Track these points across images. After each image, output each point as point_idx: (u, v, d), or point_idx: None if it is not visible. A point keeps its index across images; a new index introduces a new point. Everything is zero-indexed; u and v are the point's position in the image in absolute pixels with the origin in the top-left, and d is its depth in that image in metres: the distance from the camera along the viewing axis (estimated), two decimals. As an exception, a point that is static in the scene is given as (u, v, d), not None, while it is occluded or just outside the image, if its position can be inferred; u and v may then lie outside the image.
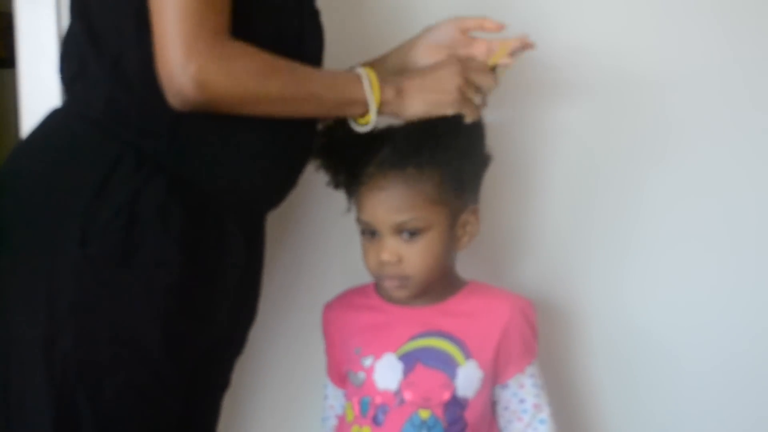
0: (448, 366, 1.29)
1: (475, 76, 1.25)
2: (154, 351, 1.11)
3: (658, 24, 1.59)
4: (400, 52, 1.36)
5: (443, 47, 1.33)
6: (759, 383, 1.66)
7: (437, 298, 1.34)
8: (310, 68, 1.17)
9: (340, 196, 1.34)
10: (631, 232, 1.64)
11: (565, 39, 1.55)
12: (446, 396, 1.29)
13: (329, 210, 1.42)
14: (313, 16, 1.25)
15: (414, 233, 1.26)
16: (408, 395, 1.29)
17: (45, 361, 1.07)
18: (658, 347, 1.66)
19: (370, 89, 1.18)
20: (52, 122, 1.19)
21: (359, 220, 1.30)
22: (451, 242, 1.31)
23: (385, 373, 1.30)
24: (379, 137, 1.26)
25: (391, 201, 1.25)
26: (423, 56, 1.33)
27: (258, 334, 1.43)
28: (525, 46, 1.31)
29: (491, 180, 1.35)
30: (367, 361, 1.32)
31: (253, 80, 1.08)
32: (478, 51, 1.33)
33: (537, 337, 1.37)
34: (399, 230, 1.26)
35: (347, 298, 1.41)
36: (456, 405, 1.29)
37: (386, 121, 1.26)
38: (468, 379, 1.30)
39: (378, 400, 1.31)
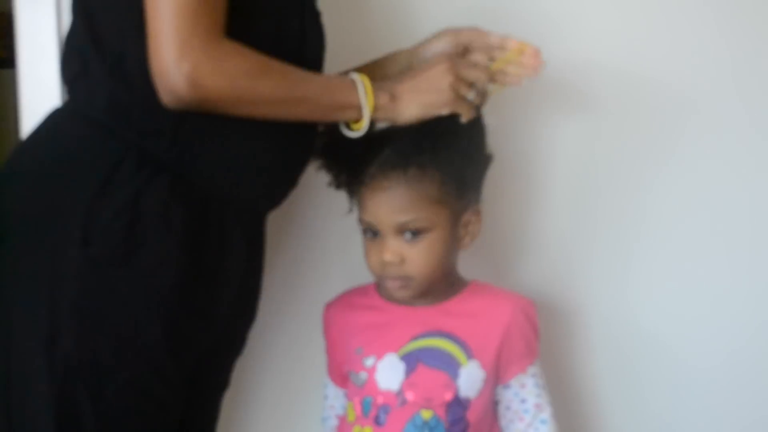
0: (450, 366, 1.29)
1: (466, 71, 1.24)
2: (155, 351, 1.11)
3: (661, 29, 1.60)
4: (409, 55, 1.36)
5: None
6: (761, 383, 1.67)
7: (439, 298, 1.34)
8: (305, 72, 1.16)
9: (340, 196, 1.34)
10: (633, 232, 1.64)
11: (568, 42, 1.55)
12: (448, 396, 1.29)
13: (330, 210, 1.42)
14: (315, 17, 1.25)
15: (416, 233, 1.26)
16: (410, 395, 1.29)
17: (46, 360, 1.07)
18: (660, 347, 1.67)
19: (365, 94, 1.17)
20: (53, 122, 1.19)
21: (361, 221, 1.30)
22: (453, 242, 1.31)
23: (387, 373, 1.31)
24: (380, 137, 1.26)
25: (393, 201, 1.25)
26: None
27: (258, 334, 1.43)
28: (531, 69, 1.29)
29: (493, 180, 1.35)
30: (369, 362, 1.32)
31: (246, 80, 1.08)
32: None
33: (539, 337, 1.37)
34: (401, 230, 1.26)
35: (348, 298, 1.41)
36: (458, 405, 1.29)
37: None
38: (470, 379, 1.30)
39: (380, 400, 1.31)
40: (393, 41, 1.39)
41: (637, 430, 1.69)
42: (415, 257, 1.27)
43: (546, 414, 1.34)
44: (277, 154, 1.19)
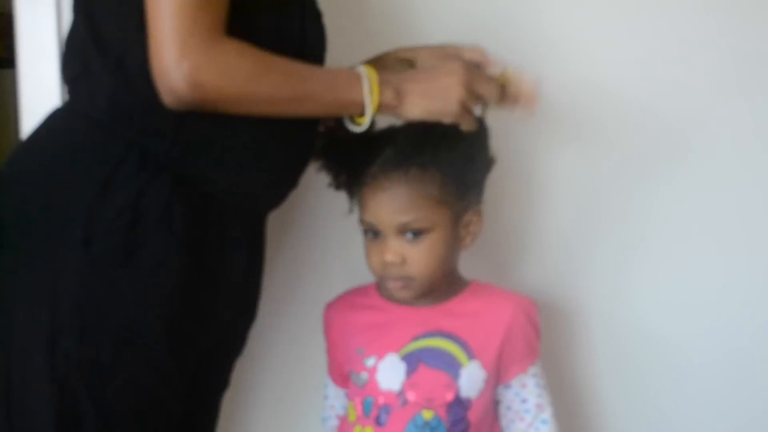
0: (451, 366, 1.29)
1: (480, 86, 1.22)
2: (156, 350, 1.11)
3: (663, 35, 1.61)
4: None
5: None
6: (762, 384, 1.67)
7: (440, 299, 1.34)
8: (309, 67, 1.15)
9: (341, 197, 1.34)
10: (635, 232, 1.64)
11: (570, 50, 1.57)
12: (449, 396, 1.29)
13: (330, 210, 1.42)
14: (315, 17, 1.25)
15: (417, 234, 1.26)
16: (411, 396, 1.29)
17: (47, 360, 1.07)
18: (661, 347, 1.67)
19: (369, 91, 1.16)
20: (54, 122, 1.19)
21: (362, 221, 1.30)
22: (454, 243, 1.31)
23: (388, 373, 1.30)
24: (381, 137, 1.26)
25: (394, 201, 1.25)
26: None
27: (258, 334, 1.43)
28: (527, 101, 1.28)
29: (495, 179, 1.35)
30: (370, 362, 1.32)
31: (247, 80, 1.07)
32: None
33: (540, 337, 1.37)
34: (402, 231, 1.26)
35: (348, 299, 1.41)
36: (459, 405, 1.29)
37: (385, 121, 1.25)
38: (471, 379, 1.30)
39: (381, 400, 1.31)
40: (393, 41, 1.39)
41: (638, 430, 1.69)
42: (416, 257, 1.26)
43: (547, 414, 1.34)
44: (277, 155, 1.19)
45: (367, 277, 1.36)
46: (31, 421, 1.10)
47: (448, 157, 1.25)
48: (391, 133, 1.27)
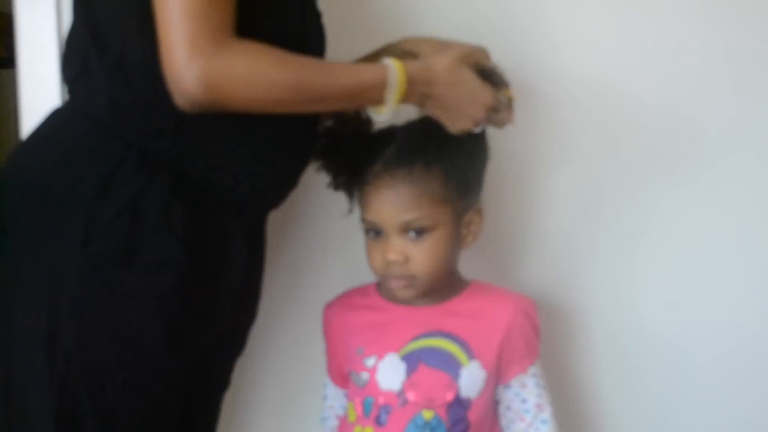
0: (452, 366, 1.29)
1: (498, 116, 1.25)
2: (156, 351, 1.11)
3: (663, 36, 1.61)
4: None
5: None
6: (764, 384, 1.67)
7: (440, 298, 1.34)
8: (329, 65, 1.14)
9: (340, 196, 1.34)
10: (635, 232, 1.64)
11: (571, 50, 1.57)
12: (449, 396, 1.29)
13: (330, 210, 1.42)
14: (315, 17, 1.25)
15: (420, 232, 1.26)
16: (411, 396, 1.29)
17: (47, 360, 1.07)
18: (661, 347, 1.66)
19: (394, 95, 1.14)
20: (54, 122, 1.19)
21: (364, 220, 1.30)
22: (456, 242, 1.31)
23: (388, 373, 1.30)
24: (383, 136, 1.26)
25: (397, 200, 1.25)
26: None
27: (258, 334, 1.43)
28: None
29: (495, 179, 1.36)
30: (370, 362, 1.32)
31: (258, 81, 1.06)
32: None
33: (540, 337, 1.37)
34: (405, 229, 1.26)
35: (348, 298, 1.41)
36: (459, 405, 1.29)
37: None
38: (471, 379, 1.30)
39: (381, 400, 1.31)
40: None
41: (638, 430, 1.69)
42: (419, 256, 1.26)
43: (546, 414, 1.34)
44: (277, 154, 1.19)
45: (367, 277, 1.36)
46: (31, 422, 1.10)
47: (452, 156, 1.25)
48: (393, 131, 1.27)
